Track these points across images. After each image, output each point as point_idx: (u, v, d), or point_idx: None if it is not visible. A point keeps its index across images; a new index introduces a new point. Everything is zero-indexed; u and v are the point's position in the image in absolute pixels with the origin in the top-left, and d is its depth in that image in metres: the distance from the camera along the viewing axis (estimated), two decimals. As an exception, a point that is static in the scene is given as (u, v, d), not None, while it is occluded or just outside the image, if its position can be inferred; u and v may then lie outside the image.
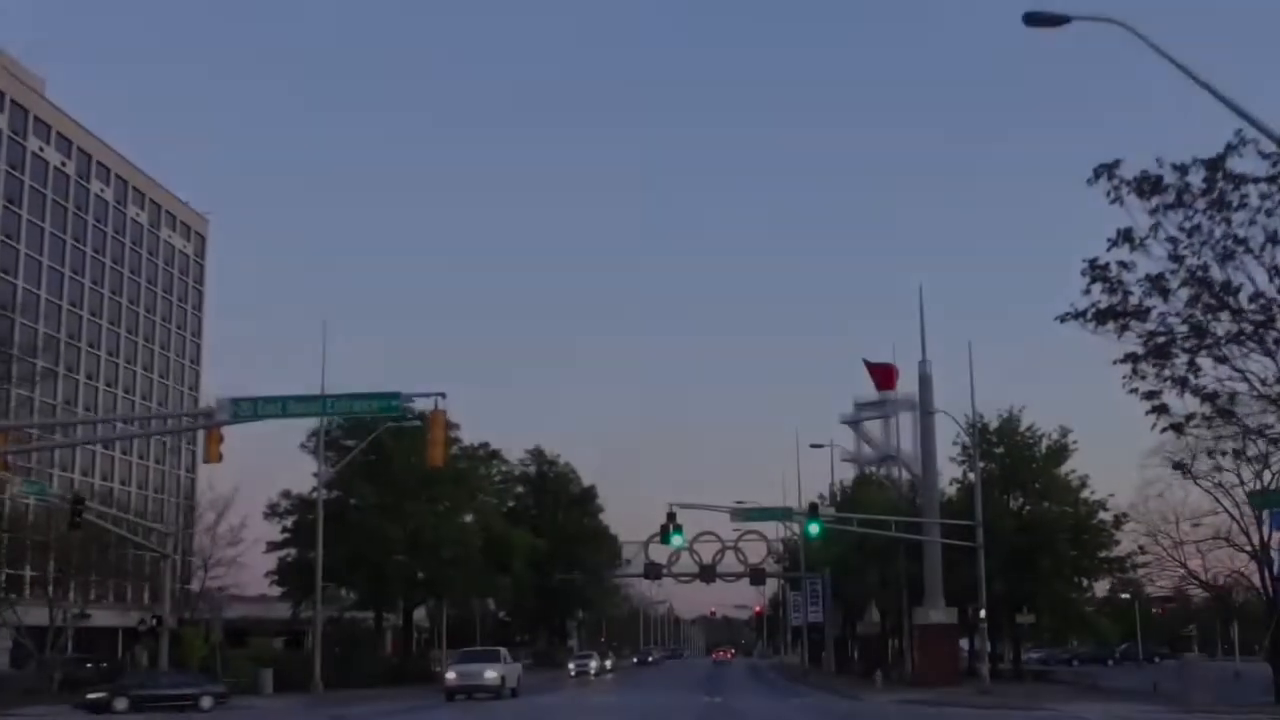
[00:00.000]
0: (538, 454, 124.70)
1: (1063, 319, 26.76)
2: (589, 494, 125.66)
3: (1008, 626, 65.87)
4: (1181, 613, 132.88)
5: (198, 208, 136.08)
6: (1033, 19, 21.44)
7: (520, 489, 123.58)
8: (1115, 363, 26.71)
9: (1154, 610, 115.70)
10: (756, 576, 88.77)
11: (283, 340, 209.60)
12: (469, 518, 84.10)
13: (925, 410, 59.74)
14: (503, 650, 61.49)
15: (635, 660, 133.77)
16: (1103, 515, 63.03)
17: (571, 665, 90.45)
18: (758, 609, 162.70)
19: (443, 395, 34.55)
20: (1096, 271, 26.10)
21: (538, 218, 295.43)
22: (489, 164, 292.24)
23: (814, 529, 54.23)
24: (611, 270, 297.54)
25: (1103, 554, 63.90)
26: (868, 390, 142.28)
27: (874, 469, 73.26)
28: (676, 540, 54.16)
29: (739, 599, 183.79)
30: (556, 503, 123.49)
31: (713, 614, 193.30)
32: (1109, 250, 25.89)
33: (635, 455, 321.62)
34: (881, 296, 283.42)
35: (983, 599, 54.18)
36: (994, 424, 64.72)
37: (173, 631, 55.99)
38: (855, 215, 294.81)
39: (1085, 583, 65.26)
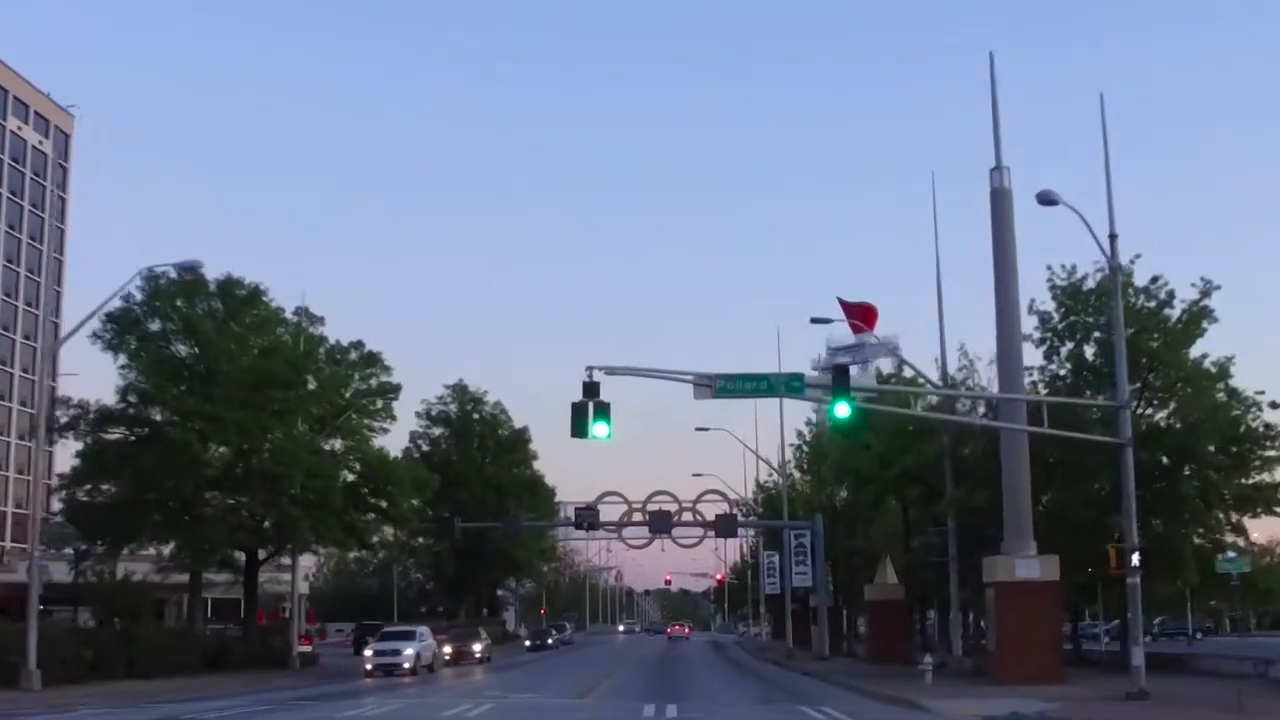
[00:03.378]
0: (460, 390, 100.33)
1: None
2: (521, 437, 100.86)
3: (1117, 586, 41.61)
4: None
5: (60, 100, 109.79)
6: None
7: (438, 431, 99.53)
8: None
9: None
10: (725, 526, 64.23)
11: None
12: (337, 444, 59.16)
13: (1003, 222, 35.64)
14: None
15: (527, 645, 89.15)
16: (1265, 417, 38.94)
17: (369, 653, 51.16)
18: (718, 577, 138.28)
19: None
20: None
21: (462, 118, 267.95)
22: (399, 77, 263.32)
23: (842, 409, 29.34)
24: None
25: (1259, 477, 39.67)
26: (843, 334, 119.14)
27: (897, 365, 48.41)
28: (600, 430, 29.42)
29: (697, 568, 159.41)
30: (483, 448, 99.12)
31: (668, 582, 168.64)
32: None
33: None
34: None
35: (1134, 536, 29.78)
36: (1092, 280, 40.15)
37: None
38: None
39: (1236, 519, 40.60)
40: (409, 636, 52.44)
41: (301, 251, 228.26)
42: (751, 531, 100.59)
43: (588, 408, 29.50)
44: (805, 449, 65.33)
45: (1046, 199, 29.17)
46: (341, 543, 57.69)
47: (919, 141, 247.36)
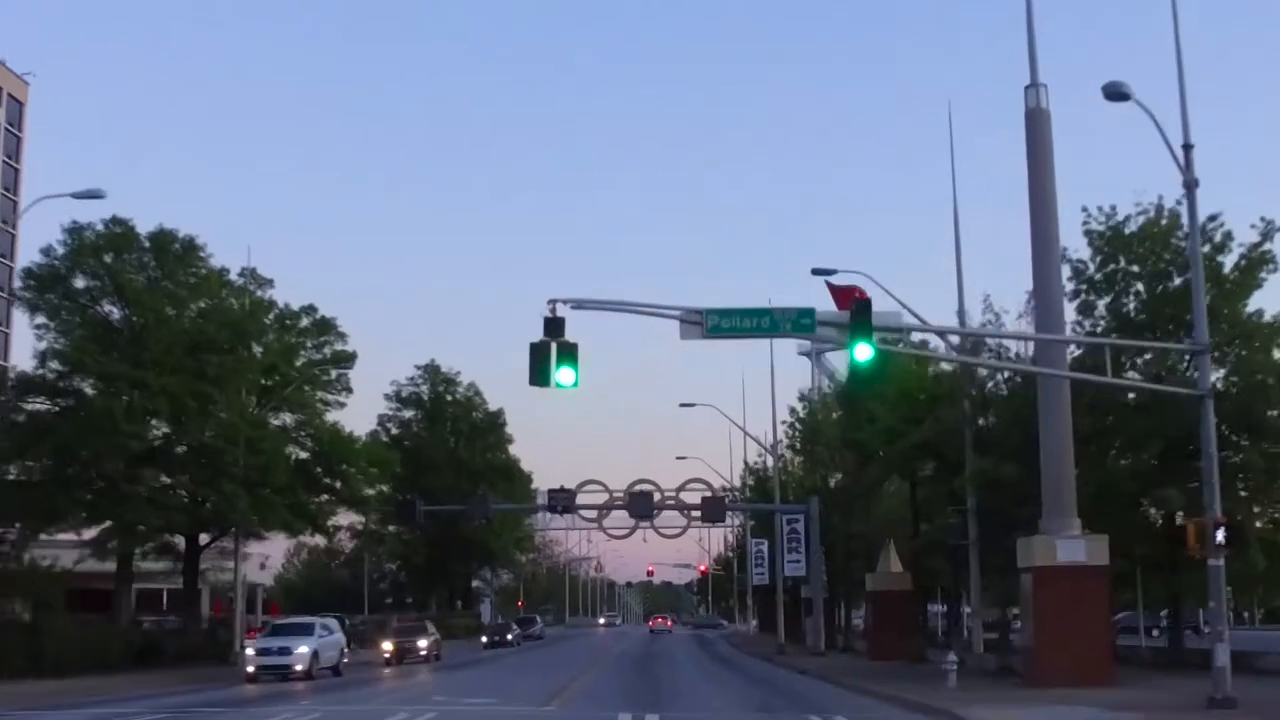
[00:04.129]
0: (432, 370, 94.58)
1: None
2: (496, 421, 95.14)
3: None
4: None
5: (15, 68, 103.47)
6: None
7: (409, 413, 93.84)
8: None
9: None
10: (712, 510, 58.43)
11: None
12: (286, 418, 53.43)
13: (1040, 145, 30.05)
14: None
15: (485, 641, 74.21)
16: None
17: (251, 652, 40.20)
18: (702, 568, 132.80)
19: None
20: None
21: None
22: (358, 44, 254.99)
23: (863, 351, 23.62)
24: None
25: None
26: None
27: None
28: (565, 377, 23.68)
29: (680, 558, 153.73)
30: (455, 431, 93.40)
31: (650, 574, 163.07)
32: None
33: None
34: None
35: (1216, 507, 24.16)
36: (1134, 224, 34.67)
37: None
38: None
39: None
40: (304, 631, 42.08)
41: (278, 237, 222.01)
42: (738, 521, 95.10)
43: (549, 349, 23.78)
44: (798, 427, 59.76)
45: (1115, 92, 23.51)
46: (289, 526, 51.78)
47: (924, 125, 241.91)
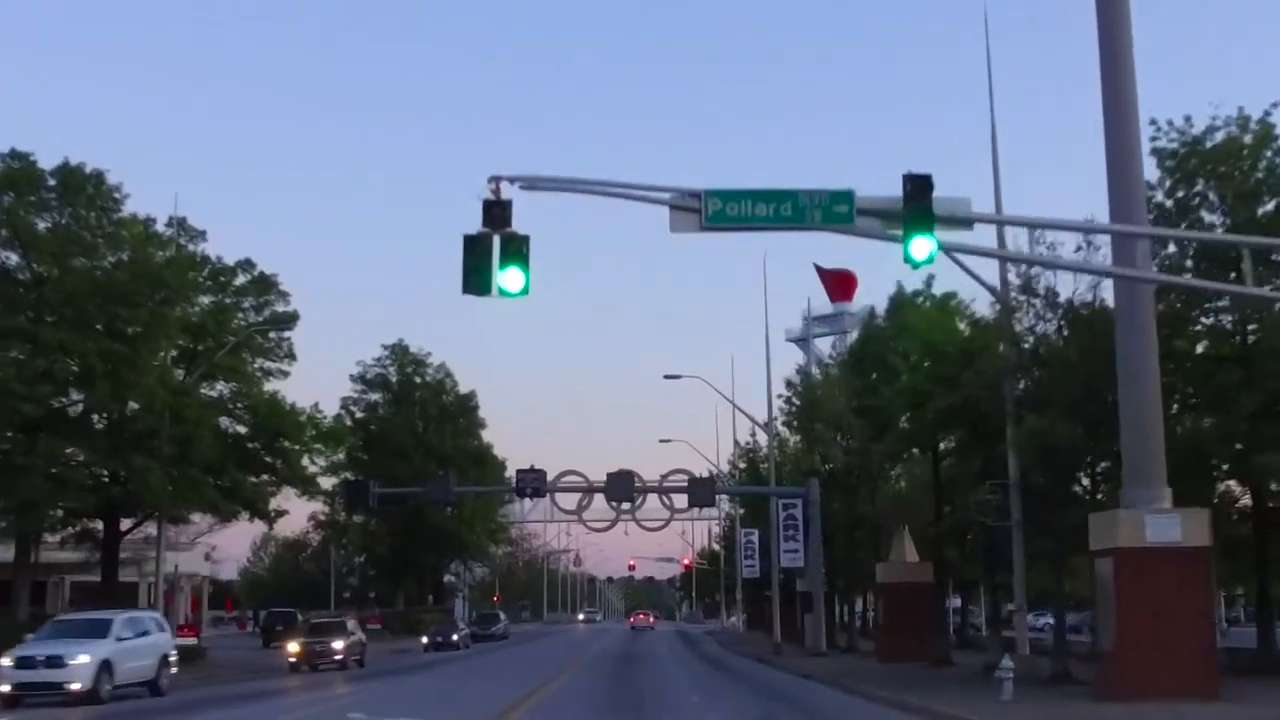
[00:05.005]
0: (400, 350, 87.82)
1: None
2: (467, 404, 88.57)
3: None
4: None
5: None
6: None
7: (375, 396, 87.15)
8: None
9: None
10: (700, 493, 51.80)
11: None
12: (221, 387, 46.82)
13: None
14: None
15: (425, 643, 61.57)
16: None
17: (7, 663, 27.29)
18: (685, 562, 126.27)
19: None
20: None
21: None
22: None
23: (922, 246, 17.07)
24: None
25: None
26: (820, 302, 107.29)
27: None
28: (511, 281, 17.09)
29: (663, 552, 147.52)
30: (425, 415, 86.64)
31: (632, 568, 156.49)
32: None
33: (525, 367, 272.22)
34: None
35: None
36: (1213, 137, 28.44)
37: None
38: None
39: None
40: (91, 632, 28.91)
41: (276, 235, 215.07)
42: (724, 511, 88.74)
43: (490, 242, 17.17)
44: (795, 402, 53.29)
45: None
46: (216, 507, 45.00)
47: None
